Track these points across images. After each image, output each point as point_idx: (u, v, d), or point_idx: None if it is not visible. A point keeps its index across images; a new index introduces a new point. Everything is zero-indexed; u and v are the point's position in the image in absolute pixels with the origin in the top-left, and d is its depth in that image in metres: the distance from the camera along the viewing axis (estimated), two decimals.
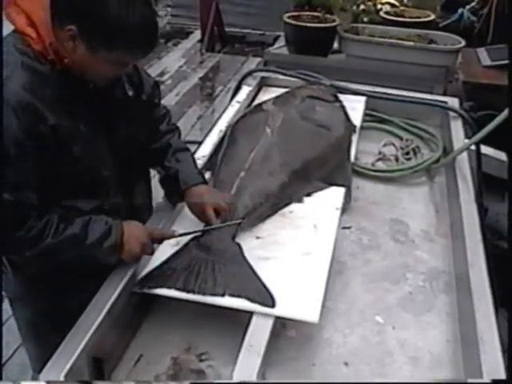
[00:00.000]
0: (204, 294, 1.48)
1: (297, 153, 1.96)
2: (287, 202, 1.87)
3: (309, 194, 1.92)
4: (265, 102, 2.31)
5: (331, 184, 1.96)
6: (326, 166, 2.02)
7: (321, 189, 1.94)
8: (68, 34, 1.34)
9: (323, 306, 1.47)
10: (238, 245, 1.65)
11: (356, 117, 2.40)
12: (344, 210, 1.90)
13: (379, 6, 3.55)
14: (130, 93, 1.64)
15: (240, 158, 1.88)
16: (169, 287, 1.50)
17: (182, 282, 1.51)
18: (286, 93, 2.41)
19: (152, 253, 1.59)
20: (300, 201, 1.88)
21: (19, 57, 1.38)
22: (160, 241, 1.62)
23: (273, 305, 1.46)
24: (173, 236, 1.63)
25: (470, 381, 1.30)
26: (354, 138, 2.25)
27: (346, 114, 2.29)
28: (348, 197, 1.99)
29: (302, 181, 1.92)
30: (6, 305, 1.92)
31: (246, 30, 7.51)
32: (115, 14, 1.31)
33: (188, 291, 1.49)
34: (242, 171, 1.84)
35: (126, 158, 1.65)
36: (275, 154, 1.92)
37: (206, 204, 1.66)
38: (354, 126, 2.29)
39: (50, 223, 1.42)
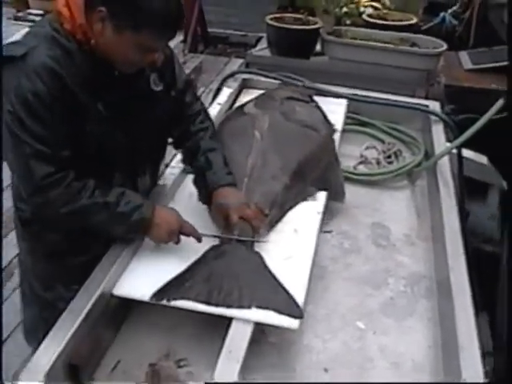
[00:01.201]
0: (229, 306, 1.45)
1: (291, 155, 1.94)
2: (292, 204, 1.86)
3: (309, 196, 1.91)
4: (245, 104, 2.29)
5: (325, 184, 1.97)
6: (319, 165, 2.01)
7: (318, 191, 1.94)
8: (98, 15, 1.40)
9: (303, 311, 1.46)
10: (258, 254, 1.63)
11: (338, 120, 2.39)
12: (325, 213, 1.88)
13: (362, 9, 3.54)
14: (158, 88, 1.66)
15: (238, 164, 1.83)
16: (190, 299, 1.47)
17: (205, 294, 1.47)
18: (264, 95, 2.39)
19: (177, 243, 1.60)
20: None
21: (50, 31, 1.45)
22: (187, 236, 1.61)
23: (301, 315, 1.44)
24: (199, 238, 1.61)
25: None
26: (336, 140, 2.24)
27: (323, 113, 2.28)
28: (342, 195, 2.00)
29: (301, 182, 1.91)
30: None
31: (229, 31, 7.49)
32: None
33: (212, 304, 1.45)
34: (245, 177, 1.81)
35: (139, 149, 1.65)
36: (272, 157, 1.90)
37: (230, 207, 1.64)
38: (333, 125, 2.28)
39: (88, 186, 1.47)
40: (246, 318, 1.43)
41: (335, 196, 1.99)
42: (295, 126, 2.09)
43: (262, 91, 2.52)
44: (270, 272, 1.57)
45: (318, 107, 2.32)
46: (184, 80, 1.80)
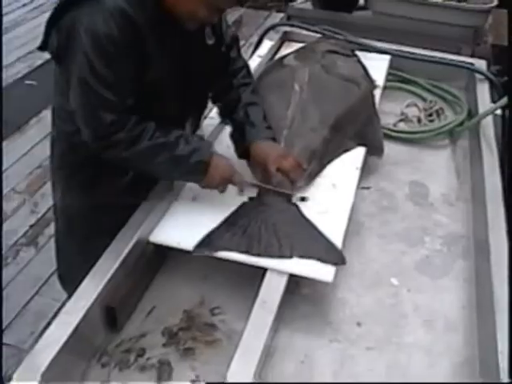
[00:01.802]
0: (271, 256, 1.46)
1: (331, 108, 1.92)
2: (330, 158, 1.85)
3: (347, 150, 1.90)
4: (284, 56, 2.26)
5: (364, 138, 1.95)
6: (357, 119, 1.98)
7: (356, 146, 1.93)
8: None
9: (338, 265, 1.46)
10: (296, 205, 1.63)
11: (379, 76, 2.33)
12: (363, 169, 1.86)
13: None
14: (210, 41, 1.65)
15: (277, 116, 1.82)
16: (232, 250, 1.48)
17: (246, 244, 1.49)
18: (305, 47, 2.35)
19: (223, 191, 1.60)
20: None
21: None
22: (237, 185, 1.62)
23: (343, 261, 1.46)
24: (242, 190, 1.62)
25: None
26: (377, 97, 2.20)
27: (364, 68, 2.23)
28: (380, 150, 1.98)
29: (340, 136, 1.89)
30: None
31: None
32: None
33: (253, 254, 1.47)
34: (284, 129, 1.79)
35: (188, 98, 1.65)
36: (311, 110, 1.88)
37: (269, 162, 1.64)
38: (374, 81, 2.23)
39: (148, 128, 1.48)
40: (281, 269, 1.43)
41: (374, 151, 1.97)
42: (335, 80, 2.05)
43: (303, 44, 2.48)
44: (308, 222, 1.57)
45: (360, 61, 2.26)
46: (230, 35, 1.79)
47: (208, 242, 1.50)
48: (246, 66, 1.87)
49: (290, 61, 2.16)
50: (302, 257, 1.46)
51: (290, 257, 1.46)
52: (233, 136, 1.77)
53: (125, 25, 1.37)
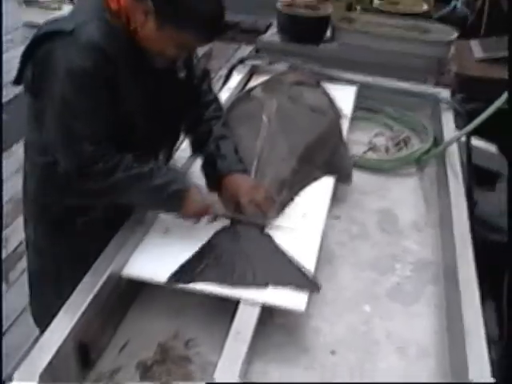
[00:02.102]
0: (245, 285, 1.47)
1: (299, 138, 1.96)
2: (300, 187, 1.88)
3: (316, 179, 1.93)
4: (252, 88, 2.30)
5: (332, 167, 1.99)
6: (325, 148, 2.02)
7: (325, 175, 1.96)
8: (143, 7, 1.42)
9: (310, 294, 1.47)
10: (269, 235, 1.65)
11: (347, 106, 2.39)
12: (333, 199, 1.89)
13: None
14: (182, 75, 1.68)
15: (247, 148, 1.84)
16: (205, 281, 1.49)
17: (220, 275, 1.50)
18: (272, 79, 2.40)
19: (197, 222, 1.61)
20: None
21: (97, 8, 1.47)
22: (213, 216, 1.64)
23: (318, 289, 1.49)
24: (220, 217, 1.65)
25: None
26: (345, 127, 2.24)
27: (330, 98, 2.28)
28: (349, 178, 2.02)
29: (309, 165, 1.92)
30: None
31: (240, 17, 7.44)
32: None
33: (228, 284, 1.47)
34: (254, 160, 1.82)
35: (159, 131, 1.67)
36: (280, 141, 1.91)
37: (241, 194, 1.66)
38: (340, 110, 2.28)
39: (125, 159, 1.50)
40: (253, 299, 1.44)
41: (342, 178, 2.01)
42: (303, 110, 2.10)
43: (270, 76, 2.52)
44: (282, 251, 1.59)
45: (325, 92, 2.32)
46: (201, 68, 1.82)
47: (181, 273, 1.51)
48: (217, 99, 1.90)
49: (258, 93, 2.20)
50: (277, 286, 1.47)
51: (265, 286, 1.47)
52: (204, 169, 1.78)
53: (98, 58, 1.40)
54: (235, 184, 1.69)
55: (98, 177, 1.47)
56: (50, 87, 1.42)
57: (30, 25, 6.20)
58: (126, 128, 1.55)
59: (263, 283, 1.48)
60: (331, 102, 2.26)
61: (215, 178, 1.73)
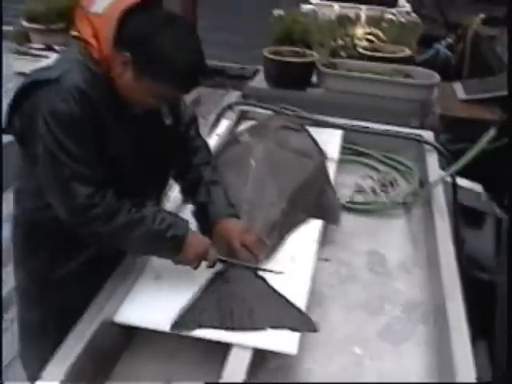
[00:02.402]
0: (243, 328, 1.48)
1: (287, 181, 2.00)
2: (289, 230, 1.90)
3: (305, 221, 1.96)
4: (239, 134, 2.36)
5: (320, 208, 2.02)
6: (313, 190, 2.07)
7: (313, 217, 1.99)
8: (122, 58, 1.46)
9: (302, 336, 1.48)
10: (263, 278, 1.66)
11: (334, 150, 2.44)
12: (321, 241, 1.91)
13: (357, 42, 3.63)
14: (168, 121, 1.71)
15: (236, 192, 1.87)
16: (205, 326, 1.50)
17: (221, 319, 1.51)
18: (257, 124, 2.46)
19: (195, 268, 1.62)
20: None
21: (80, 57, 1.51)
22: (211, 263, 1.64)
23: (316, 329, 1.51)
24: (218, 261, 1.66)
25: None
26: (332, 170, 2.29)
27: (314, 141, 2.34)
28: (337, 218, 2.04)
29: (297, 207, 1.95)
30: None
31: (226, 64, 7.57)
32: (167, 52, 1.44)
33: (226, 328, 1.48)
34: (244, 204, 1.85)
35: (146, 176, 1.68)
36: (269, 184, 1.95)
37: (233, 238, 1.68)
38: (325, 152, 2.34)
39: (124, 204, 1.52)
40: (245, 343, 1.45)
41: (330, 219, 2.04)
42: (289, 154, 2.14)
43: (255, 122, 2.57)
44: (277, 293, 1.60)
45: (310, 135, 2.38)
46: (189, 114, 1.85)
47: (184, 320, 1.52)
48: (205, 145, 1.92)
49: (245, 137, 2.25)
50: (275, 328, 1.49)
51: (263, 328, 1.48)
52: (196, 215, 1.80)
53: (82, 100, 1.45)
54: (227, 228, 1.71)
55: (97, 221, 1.49)
56: (40, 135, 1.45)
57: (21, 73, 6.30)
58: (113, 171, 1.57)
59: (261, 326, 1.49)
60: (316, 144, 2.31)
61: (207, 223, 1.75)
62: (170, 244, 1.57)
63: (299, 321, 1.52)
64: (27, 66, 6.08)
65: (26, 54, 6.40)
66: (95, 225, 1.50)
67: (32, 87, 1.47)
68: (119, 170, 1.60)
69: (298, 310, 1.55)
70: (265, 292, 1.62)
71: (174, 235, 1.56)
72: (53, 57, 1.58)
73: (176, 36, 1.46)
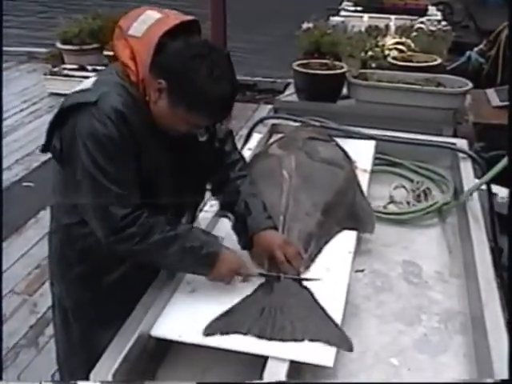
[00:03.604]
0: (283, 340, 1.49)
1: (321, 191, 2.01)
2: (326, 240, 1.92)
3: (340, 231, 1.97)
4: (268, 146, 2.38)
5: (354, 217, 2.04)
6: (346, 199, 2.08)
7: (348, 226, 2.00)
8: (157, 85, 1.51)
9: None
10: (307, 289, 1.68)
11: (366, 161, 2.44)
12: (356, 252, 1.91)
13: (387, 52, 3.62)
14: (203, 138, 1.74)
15: (271, 204, 1.88)
16: (243, 333, 1.51)
17: (258, 328, 1.52)
18: (285, 136, 2.47)
19: (229, 283, 1.65)
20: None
21: (118, 79, 1.57)
22: (244, 277, 1.67)
23: (351, 348, 1.50)
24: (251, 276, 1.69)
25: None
26: (365, 181, 2.28)
27: (343, 150, 2.34)
28: (371, 226, 2.04)
29: (332, 217, 1.97)
30: None
31: (257, 78, 7.62)
32: (202, 84, 1.48)
33: (266, 338, 1.50)
34: (280, 215, 1.87)
35: (182, 193, 1.72)
36: (303, 195, 1.97)
37: (275, 250, 1.71)
38: (354, 161, 2.34)
39: (159, 222, 1.56)
40: (281, 356, 1.45)
41: (365, 227, 2.04)
42: (320, 165, 2.16)
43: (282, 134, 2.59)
44: (320, 306, 1.61)
45: (338, 145, 2.39)
46: (224, 130, 1.89)
47: (217, 324, 1.54)
48: (242, 159, 1.96)
49: (275, 150, 2.27)
50: (312, 340, 1.49)
51: (302, 340, 1.49)
52: (235, 228, 1.83)
53: (120, 122, 1.49)
54: (267, 240, 1.74)
55: (132, 239, 1.52)
56: (79, 156, 1.49)
57: (55, 94, 6.45)
58: (150, 189, 1.61)
59: (300, 338, 1.50)
60: (344, 153, 2.32)
61: (247, 235, 1.77)
62: (204, 261, 1.60)
63: (337, 337, 1.52)
64: (60, 86, 6.27)
65: (58, 74, 6.55)
66: (130, 243, 1.53)
67: (72, 110, 1.52)
68: (156, 188, 1.63)
69: (336, 325, 1.55)
70: (309, 304, 1.63)
71: (208, 252, 1.59)
72: (91, 79, 1.62)
73: (210, 67, 1.48)
